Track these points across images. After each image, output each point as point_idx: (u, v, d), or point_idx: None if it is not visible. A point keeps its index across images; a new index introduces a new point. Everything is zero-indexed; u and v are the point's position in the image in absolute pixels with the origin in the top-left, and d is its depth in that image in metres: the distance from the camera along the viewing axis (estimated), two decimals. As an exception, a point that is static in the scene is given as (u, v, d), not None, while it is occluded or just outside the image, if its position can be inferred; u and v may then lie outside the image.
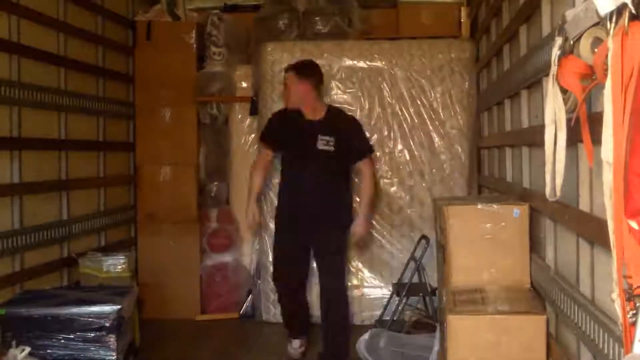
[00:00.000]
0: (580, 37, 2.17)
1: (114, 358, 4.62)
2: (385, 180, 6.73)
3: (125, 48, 7.09)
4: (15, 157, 5.11)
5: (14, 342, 4.31)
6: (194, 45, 7.07)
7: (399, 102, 6.72)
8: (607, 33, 1.81)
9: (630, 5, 1.68)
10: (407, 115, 6.71)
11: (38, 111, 5.44)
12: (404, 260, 6.41)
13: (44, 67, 5.54)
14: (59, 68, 5.76)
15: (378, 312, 6.41)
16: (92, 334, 4.60)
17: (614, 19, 1.78)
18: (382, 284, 6.63)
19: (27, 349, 4.22)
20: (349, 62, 6.76)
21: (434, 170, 6.71)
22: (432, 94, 6.71)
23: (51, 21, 5.63)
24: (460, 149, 6.71)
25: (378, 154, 6.65)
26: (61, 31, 5.78)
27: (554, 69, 2.36)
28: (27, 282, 5.20)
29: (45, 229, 5.46)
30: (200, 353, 5.91)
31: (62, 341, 4.59)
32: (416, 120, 6.71)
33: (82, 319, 4.61)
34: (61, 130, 5.78)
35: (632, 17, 1.70)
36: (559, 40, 2.34)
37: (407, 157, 6.71)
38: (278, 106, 6.64)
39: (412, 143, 6.71)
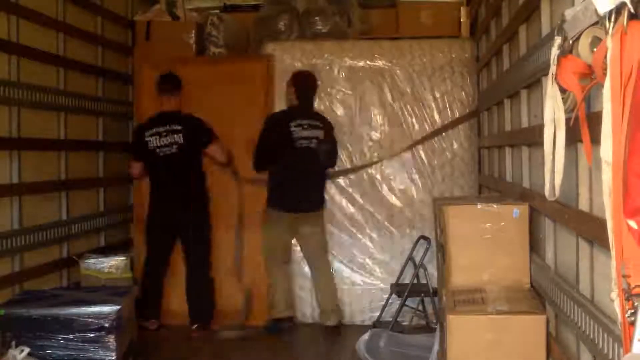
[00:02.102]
0: (579, 37, 2.16)
1: (113, 358, 4.62)
2: (386, 180, 6.72)
3: (125, 48, 7.08)
4: (15, 157, 5.11)
5: (13, 343, 4.31)
6: (194, 45, 7.06)
7: (399, 101, 6.72)
8: (606, 32, 1.81)
9: (629, 5, 1.68)
10: (407, 114, 6.71)
11: (37, 111, 5.44)
12: (403, 260, 6.41)
13: (43, 67, 5.54)
14: (58, 68, 5.76)
15: (377, 313, 6.40)
16: (92, 335, 4.60)
17: (612, 18, 1.78)
18: (382, 285, 6.62)
19: (27, 350, 4.22)
20: (349, 62, 6.76)
21: (434, 170, 6.70)
22: (433, 94, 6.71)
23: (50, 21, 5.63)
24: (461, 149, 6.71)
25: (381, 153, 6.69)
26: (60, 31, 5.78)
27: (553, 68, 2.36)
28: (26, 283, 5.19)
29: (45, 229, 5.45)
30: (200, 354, 5.90)
31: (62, 341, 4.58)
32: (417, 120, 6.71)
33: (81, 319, 4.61)
34: (60, 131, 5.78)
35: (631, 17, 1.70)
36: (558, 40, 2.33)
37: (409, 157, 6.71)
38: (279, 106, 6.67)
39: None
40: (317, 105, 6.75)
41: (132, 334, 5.20)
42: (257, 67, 6.86)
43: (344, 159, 6.73)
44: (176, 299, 6.67)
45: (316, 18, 7.13)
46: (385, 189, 6.71)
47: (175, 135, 6.20)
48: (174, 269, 6.62)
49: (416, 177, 6.70)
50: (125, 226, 7.01)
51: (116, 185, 6.83)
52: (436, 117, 6.71)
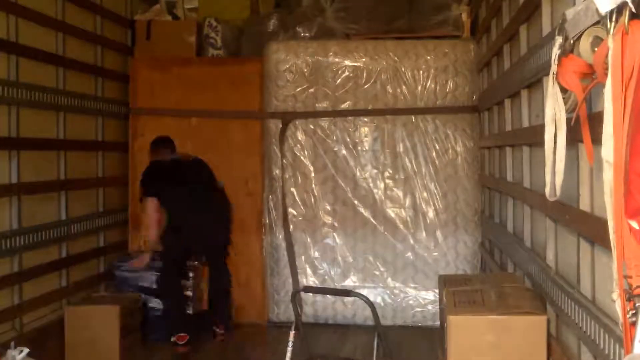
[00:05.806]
0: (580, 36, 2.16)
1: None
2: (389, 181, 6.72)
3: (124, 48, 7.07)
4: (14, 157, 5.10)
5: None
6: (194, 45, 7.05)
7: (403, 101, 6.71)
8: (607, 32, 1.80)
9: (630, 4, 1.67)
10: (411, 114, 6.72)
11: (36, 111, 5.43)
12: (405, 261, 6.40)
13: (43, 67, 5.52)
14: (58, 68, 5.74)
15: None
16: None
17: (614, 18, 1.78)
18: (383, 284, 6.63)
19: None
20: (354, 62, 6.74)
21: (438, 169, 6.69)
22: (437, 94, 6.69)
23: (49, 21, 5.61)
24: (464, 149, 6.70)
25: (382, 155, 6.69)
26: (60, 31, 5.77)
27: (554, 68, 2.35)
28: (25, 283, 5.18)
29: (44, 229, 5.44)
30: (201, 354, 5.89)
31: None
32: (420, 120, 6.70)
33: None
34: (59, 130, 5.77)
35: (632, 16, 1.69)
36: (559, 40, 2.33)
37: (412, 157, 6.70)
38: (275, 105, 6.68)
39: (416, 143, 6.70)
40: (322, 105, 6.75)
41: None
42: (254, 69, 6.88)
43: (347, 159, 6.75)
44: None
45: (305, 17, 7.12)
46: (389, 189, 6.71)
47: None
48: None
49: (421, 176, 6.68)
50: (124, 226, 6.99)
51: (115, 185, 6.81)
52: (440, 116, 6.71)
